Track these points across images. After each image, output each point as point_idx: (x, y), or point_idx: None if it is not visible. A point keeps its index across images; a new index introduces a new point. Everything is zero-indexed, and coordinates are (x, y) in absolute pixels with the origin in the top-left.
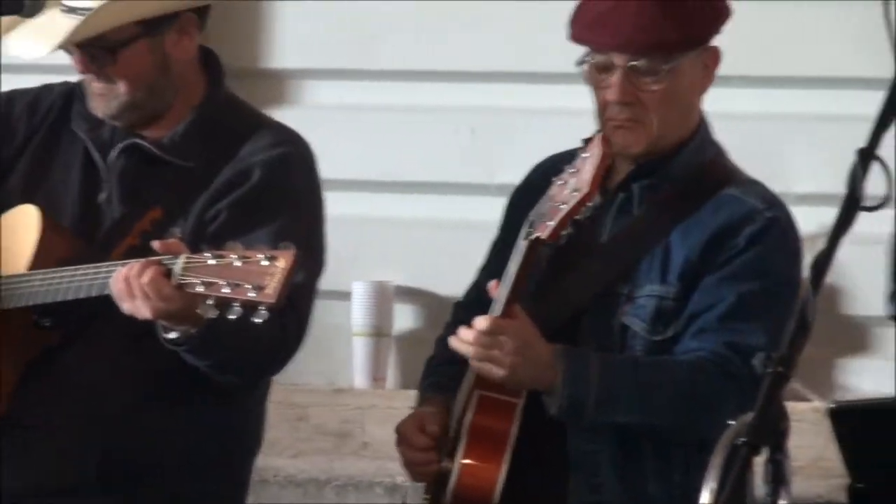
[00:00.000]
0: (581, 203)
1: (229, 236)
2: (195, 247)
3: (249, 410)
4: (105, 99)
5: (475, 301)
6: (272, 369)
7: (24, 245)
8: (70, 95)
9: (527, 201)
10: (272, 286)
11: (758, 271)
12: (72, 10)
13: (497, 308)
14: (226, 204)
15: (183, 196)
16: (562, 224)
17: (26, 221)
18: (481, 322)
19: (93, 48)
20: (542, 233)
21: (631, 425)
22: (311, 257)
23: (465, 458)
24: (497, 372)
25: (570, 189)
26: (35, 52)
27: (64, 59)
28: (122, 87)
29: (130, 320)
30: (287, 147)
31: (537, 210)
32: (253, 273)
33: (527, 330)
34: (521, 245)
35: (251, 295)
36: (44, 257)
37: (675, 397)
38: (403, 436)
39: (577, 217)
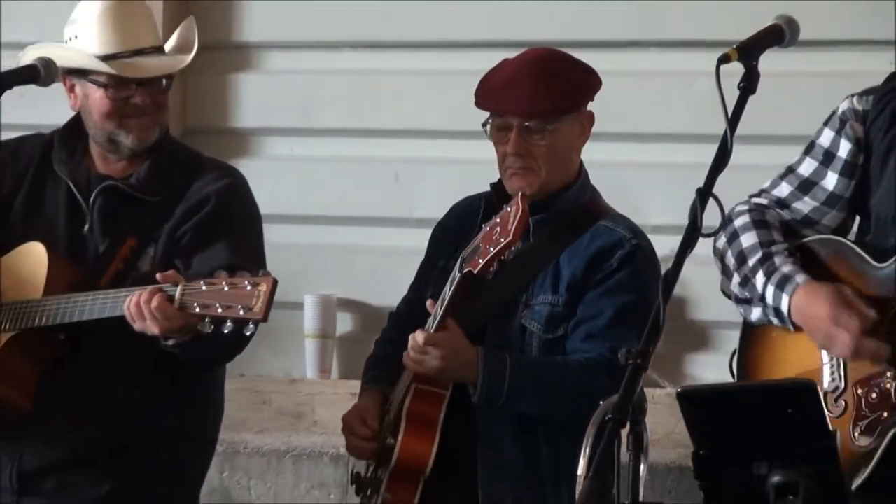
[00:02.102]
0: (506, 247)
1: (196, 251)
2: (168, 263)
3: (216, 389)
4: (150, 131)
5: (406, 312)
6: (235, 355)
7: (35, 276)
8: (49, 144)
9: (444, 234)
10: (258, 305)
11: (629, 287)
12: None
13: (432, 322)
14: (190, 226)
15: (151, 225)
16: (490, 262)
17: (34, 256)
18: (419, 335)
19: (167, 78)
20: (474, 268)
21: (533, 413)
22: (258, 262)
23: (404, 437)
24: (427, 371)
25: (497, 234)
26: (168, 69)
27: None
28: (162, 117)
29: (123, 332)
30: (230, 179)
31: (469, 248)
32: (240, 296)
33: (457, 339)
34: (455, 276)
35: (241, 313)
36: (54, 284)
37: (569, 392)
38: (348, 425)
39: (503, 258)
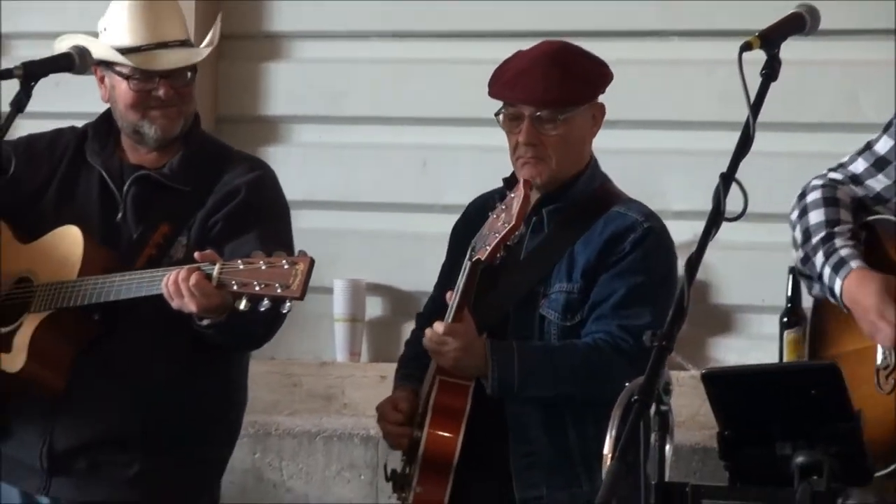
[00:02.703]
0: (510, 232)
1: (227, 240)
2: (200, 251)
3: (242, 378)
4: (174, 122)
5: (432, 311)
6: (266, 340)
7: (71, 257)
8: (83, 136)
9: (464, 230)
10: (296, 284)
11: (641, 268)
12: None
13: (450, 312)
14: (221, 216)
15: (184, 214)
16: (496, 248)
17: (70, 238)
18: (438, 326)
19: (187, 69)
20: (482, 255)
21: (547, 397)
22: (289, 252)
23: (430, 428)
24: (446, 362)
25: (501, 221)
26: (186, 61)
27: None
28: (187, 108)
29: (157, 313)
30: (260, 171)
31: (478, 237)
32: (278, 274)
33: (469, 330)
34: (466, 265)
35: (279, 291)
36: (90, 266)
37: (578, 372)
38: (382, 413)
39: (508, 243)
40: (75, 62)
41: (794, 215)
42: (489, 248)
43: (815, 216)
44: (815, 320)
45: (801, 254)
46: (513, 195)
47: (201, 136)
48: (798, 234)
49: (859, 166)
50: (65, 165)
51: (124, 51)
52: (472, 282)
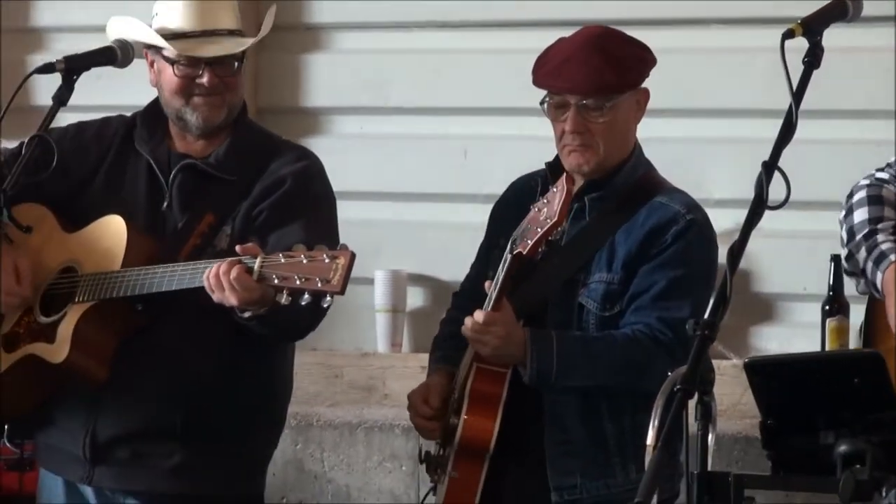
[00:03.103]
0: (552, 228)
1: (272, 230)
2: (244, 241)
3: (286, 368)
4: (217, 111)
5: (469, 291)
6: (311, 330)
7: (114, 247)
8: (131, 124)
9: (504, 213)
10: (336, 278)
11: (682, 261)
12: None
13: (488, 303)
14: (266, 206)
15: (229, 203)
16: (538, 243)
17: (113, 228)
18: (478, 315)
19: (233, 58)
20: (524, 249)
21: (585, 387)
22: (332, 242)
23: (467, 415)
24: (485, 351)
25: (544, 216)
26: (230, 50)
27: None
28: (232, 97)
29: (201, 304)
30: (306, 161)
31: (519, 230)
32: (319, 268)
33: (509, 319)
34: (507, 257)
35: (319, 286)
36: (133, 256)
37: (616, 363)
38: (413, 404)
39: (550, 238)
40: (117, 56)
41: (841, 215)
42: (531, 243)
43: (860, 215)
44: (869, 316)
45: (845, 252)
46: (555, 189)
47: (249, 126)
48: (844, 234)
49: None
50: (113, 154)
51: (172, 36)
52: (512, 274)
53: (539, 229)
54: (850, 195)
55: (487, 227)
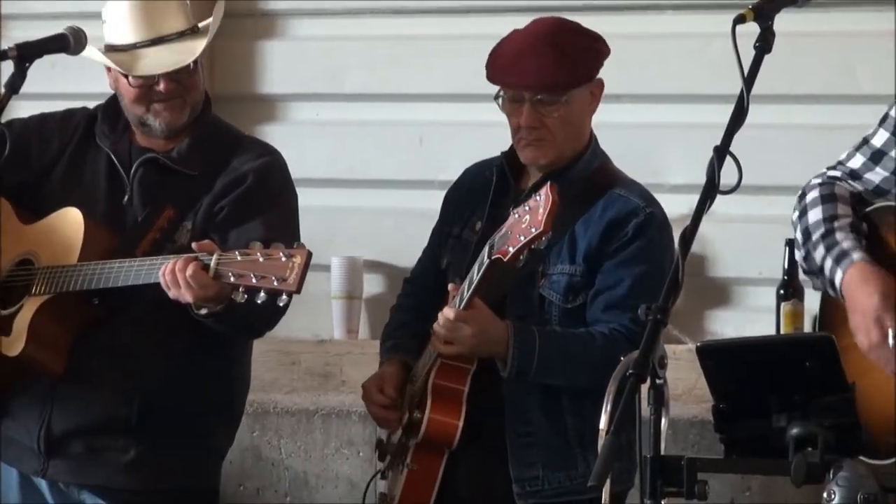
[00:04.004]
0: (537, 238)
1: (232, 226)
2: (205, 237)
3: (244, 363)
4: (179, 113)
5: (420, 276)
6: (269, 328)
7: (71, 241)
8: (93, 117)
9: (456, 199)
10: (292, 277)
11: (645, 257)
12: (163, 39)
13: (460, 302)
14: (227, 202)
15: (190, 198)
16: (520, 251)
17: (71, 221)
18: (449, 312)
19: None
20: (504, 256)
21: (560, 385)
22: (293, 239)
23: (431, 412)
24: (456, 349)
25: (526, 224)
26: (180, 63)
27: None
28: (193, 97)
29: (158, 299)
30: (269, 157)
31: (499, 234)
32: (275, 267)
33: (486, 316)
34: (484, 261)
35: (275, 284)
36: (90, 249)
37: (594, 364)
38: (367, 394)
39: (533, 247)
40: (70, 43)
41: (795, 216)
42: (512, 250)
43: (814, 214)
44: (823, 314)
45: (802, 252)
46: (539, 198)
47: (212, 121)
48: (799, 235)
49: (857, 161)
50: (73, 146)
51: (119, 48)
52: (488, 277)
53: (522, 237)
54: (803, 195)
55: (441, 211)
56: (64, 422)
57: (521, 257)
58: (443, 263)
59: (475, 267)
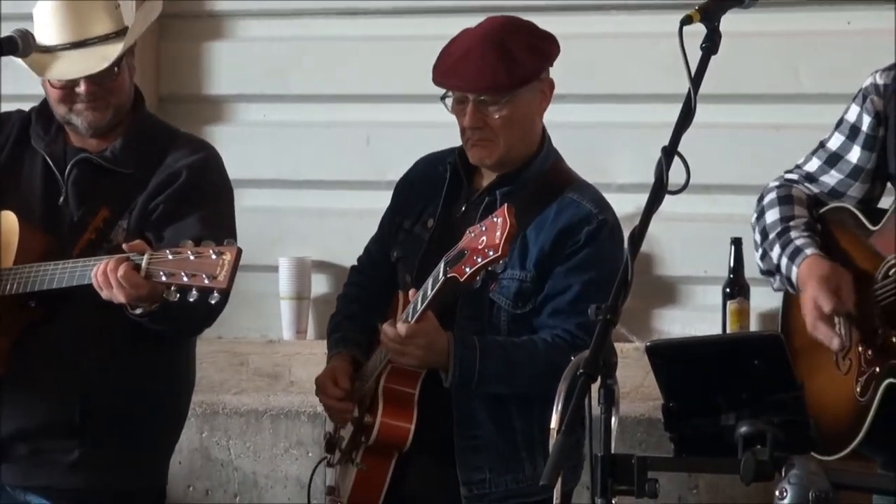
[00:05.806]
0: (494, 261)
1: (167, 224)
2: (140, 235)
3: (186, 361)
4: (101, 114)
5: (367, 265)
6: (206, 326)
7: (6, 244)
8: (27, 119)
9: (407, 192)
10: (223, 275)
11: (595, 263)
12: (86, 43)
13: (412, 313)
14: (162, 199)
15: (125, 197)
16: (476, 272)
17: (5, 225)
18: (401, 328)
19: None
20: (460, 276)
21: (504, 393)
22: (228, 236)
23: (383, 416)
24: (407, 362)
25: (483, 245)
26: (91, 70)
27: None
28: (117, 98)
29: (96, 299)
30: (203, 153)
31: (455, 251)
32: (205, 265)
33: (433, 329)
34: (440, 278)
35: (206, 282)
36: (26, 252)
37: (537, 371)
38: (321, 387)
39: (489, 269)
40: (18, 46)
41: (753, 218)
42: (469, 271)
43: (772, 215)
44: (783, 315)
45: (760, 252)
46: (496, 219)
47: (146, 119)
48: (757, 235)
49: (813, 165)
50: (8, 149)
51: (43, 49)
52: (441, 293)
53: (479, 259)
54: (761, 198)
55: (392, 201)
56: (8, 425)
57: (478, 278)
58: (393, 256)
59: (429, 281)
